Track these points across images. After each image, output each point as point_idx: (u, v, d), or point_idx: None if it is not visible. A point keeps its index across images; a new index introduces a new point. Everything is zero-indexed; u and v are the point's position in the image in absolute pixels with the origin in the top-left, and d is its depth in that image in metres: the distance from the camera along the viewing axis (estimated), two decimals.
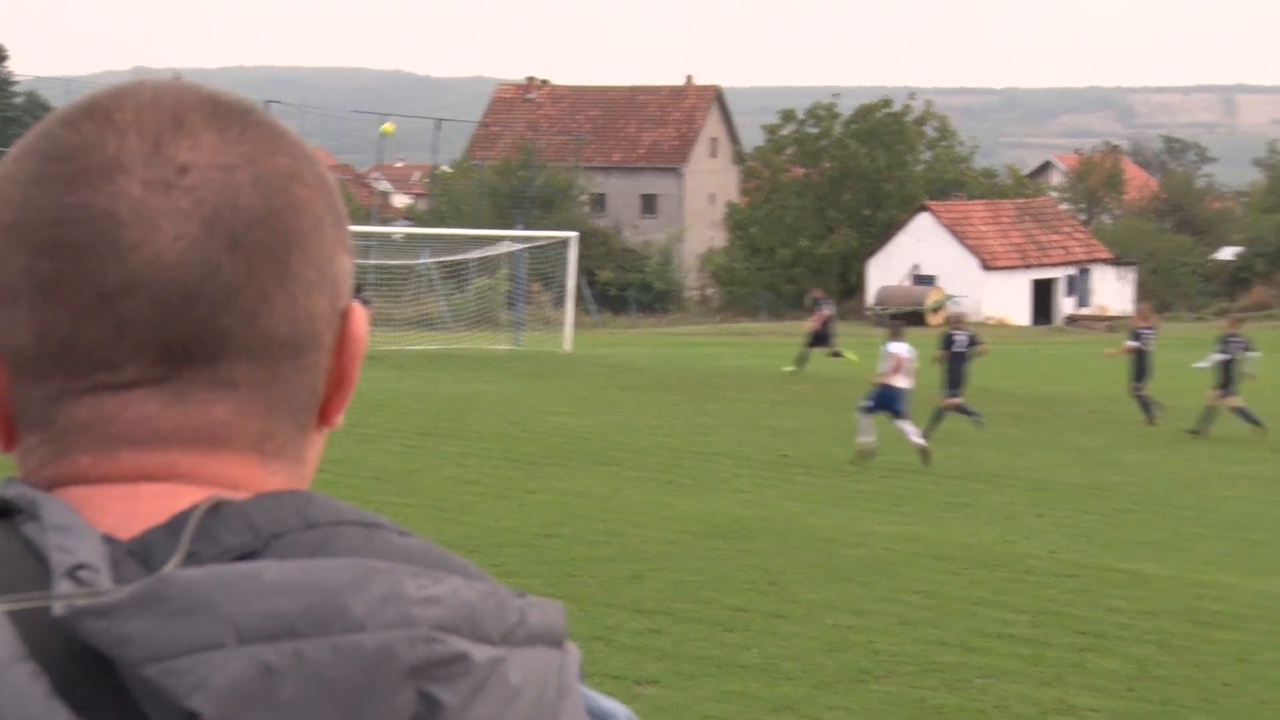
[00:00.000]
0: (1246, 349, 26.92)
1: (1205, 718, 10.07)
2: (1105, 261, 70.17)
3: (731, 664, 11.02)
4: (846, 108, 75.03)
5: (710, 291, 78.13)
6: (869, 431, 21.44)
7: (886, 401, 21.48)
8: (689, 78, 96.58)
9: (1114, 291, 69.89)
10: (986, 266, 65.78)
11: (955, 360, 25.22)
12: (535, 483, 19.21)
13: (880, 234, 70.84)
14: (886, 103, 74.55)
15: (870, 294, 66.52)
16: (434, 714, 0.93)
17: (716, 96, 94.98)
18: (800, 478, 20.17)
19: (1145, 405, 27.85)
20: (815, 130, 74.40)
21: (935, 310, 63.85)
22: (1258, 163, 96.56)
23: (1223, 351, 26.94)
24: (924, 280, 66.08)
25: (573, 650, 1.04)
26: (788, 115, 75.51)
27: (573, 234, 46.96)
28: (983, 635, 11.95)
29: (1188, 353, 47.12)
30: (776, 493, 18.91)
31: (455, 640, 0.95)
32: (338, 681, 0.91)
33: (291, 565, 0.94)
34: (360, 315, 1.11)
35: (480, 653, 0.95)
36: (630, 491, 18.71)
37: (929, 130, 76.07)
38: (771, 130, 75.81)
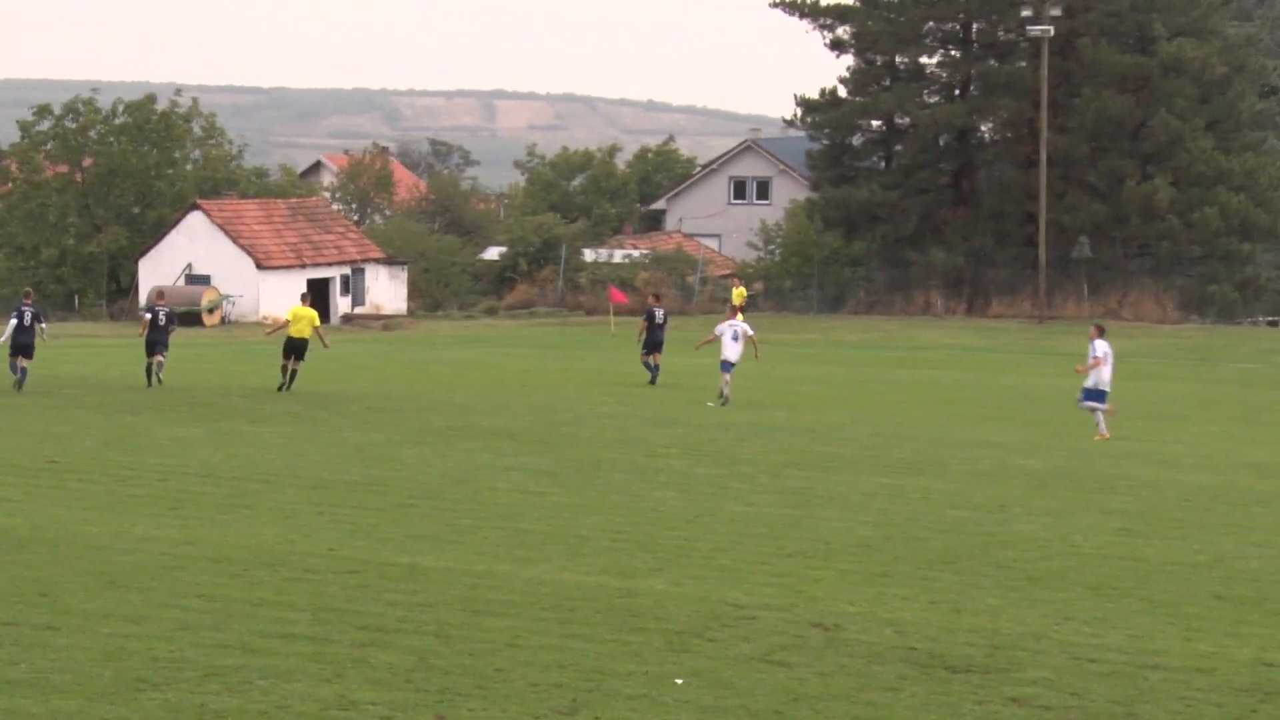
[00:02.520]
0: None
1: (480, 704, 10.44)
2: (378, 261, 71.41)
3: None
4: (107, 103, 72.81)
5: None
6: None
7: None
8: None
9: (388, 290, 71.28)
10: (261, 266, 65.64)
11: (655, 328, 36.82)
12: None
13: (151, 233, 69.33)
14: (152, 99, 73.00)
15: (143, 294, 64.97)
16: None
17: None
18: (72, 484, 19.47)
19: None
20: (74, 125, 71.94)
21: (211, 310, 63.06)
22: (518, 165, 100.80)
23: None
24: (198, 280, 65.21)
25: None
26: (43, 110, 72.72)
27: None
28: (264, 636, 11.94)
29: (459, 349, 48.68)
30: (47, 500, 18.20)
31: None
32: None
33: None
34: None
35: None
36: None
37: (196, 128, 75.05)
38: (26, 127, 72.71)
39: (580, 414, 29.30)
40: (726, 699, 10.70)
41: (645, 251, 76.80)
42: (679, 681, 11.05)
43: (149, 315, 34.11)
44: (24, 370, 31.48)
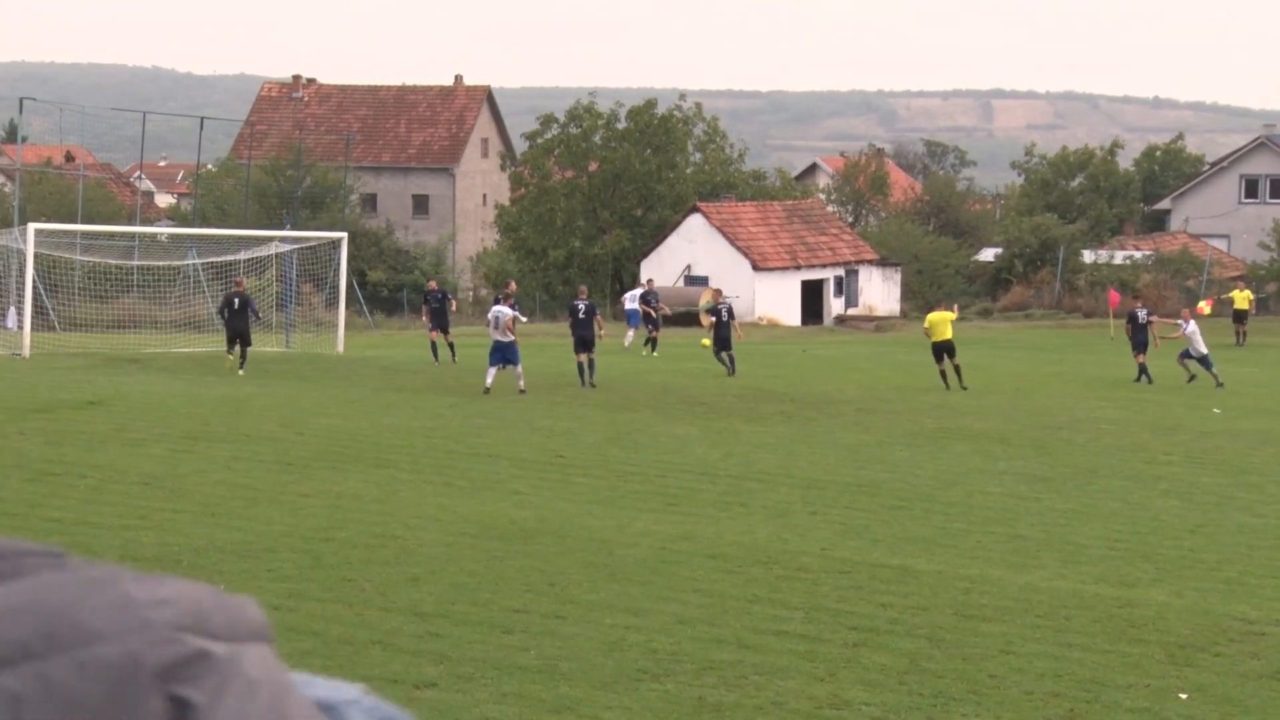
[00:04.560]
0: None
1: (973, 709, 10.32)
2: (872, 262, 71.44)
3: (510, 665, 11.01)
4: (608, 108, 74.89)
5: (484, 293, 77.86)
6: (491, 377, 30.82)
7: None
8: (458, 78, 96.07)
9: (881, 292, 71.26)
10: (757, 267, 66.58)
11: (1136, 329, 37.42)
12: (309, 486, 18.98)
13: (652, 235, 71.24)
14: (653, 104, 74.94)
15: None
16: (185, 715, 0.93)
17: (487, 97, 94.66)
18: (576, 478, 20.21)
19: None
20: (577, 131, 74.46)
21: (708, 311, 64.37)
22: (1015, 165, 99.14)
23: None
24: (696, 281, 66.66)
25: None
26: (547, 119, 75.54)
27: (342, 234, 46.50)
28: (758, 632, 12.11)
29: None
30: (553, 494, 18.93)
31: (193, 639, 0.94)
32: (86, 697, 0.90)
33: (4, 590, 0.92)
34: None
35: (218, 649, 0.95)
36: (406, 494, 18.59)
37: (698, 132, 76.64)
38: (532, 136, 75.63)
39: (1076, 418, 28.61)
40: (1234, 716, 10.27)
41: (1147, 253, 74.38)
42: (1183, 696, 10.67)
43: (713, 318, 38.96)
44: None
